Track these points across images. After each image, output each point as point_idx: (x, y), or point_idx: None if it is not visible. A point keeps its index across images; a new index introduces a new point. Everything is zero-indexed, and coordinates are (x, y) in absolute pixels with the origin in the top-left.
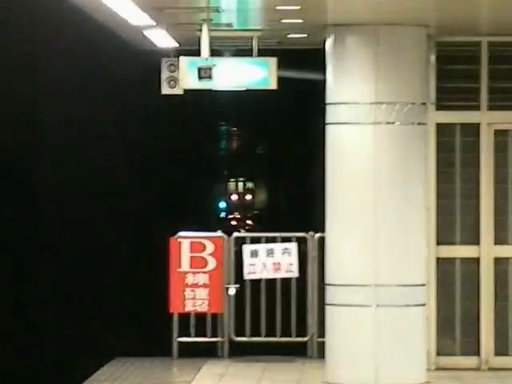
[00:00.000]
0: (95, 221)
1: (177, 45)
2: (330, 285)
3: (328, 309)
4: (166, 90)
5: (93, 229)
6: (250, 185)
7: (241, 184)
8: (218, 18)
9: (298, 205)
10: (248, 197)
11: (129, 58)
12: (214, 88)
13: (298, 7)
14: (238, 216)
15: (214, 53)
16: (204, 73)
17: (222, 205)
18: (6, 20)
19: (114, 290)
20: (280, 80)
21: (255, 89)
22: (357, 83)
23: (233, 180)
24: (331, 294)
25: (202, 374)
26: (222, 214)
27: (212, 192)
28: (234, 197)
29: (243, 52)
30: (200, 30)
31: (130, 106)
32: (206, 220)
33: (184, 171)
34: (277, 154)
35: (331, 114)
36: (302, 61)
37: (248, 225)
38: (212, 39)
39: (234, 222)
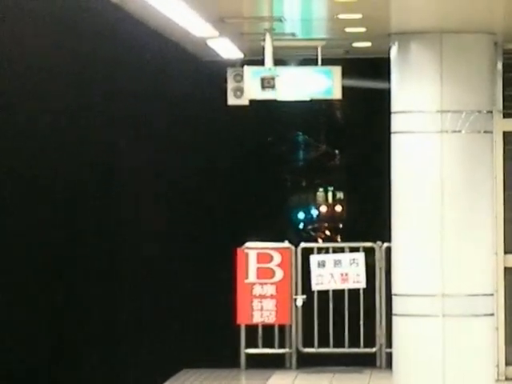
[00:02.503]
0: (171, 232)
1: (242, 55)
2: (396, 295)
3: (395, 319)
4: (231, 100)
5: (168, 239)
6: (339, 195)
7: (330, 194)
8: (281, 27)
9: (374, 215)
10: (338, 208)
11: (196, 70)
12: (278, 98)
13: (360, 16)
14: (318, 227)
15: (281, 62)
16: (267, 83)
17: (301, 216)
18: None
19: (181, 300)
20: (355, 89)
21: (321, 99)
22: (422, 91)
23: (321, 190)
24: (398, 304)
25: None
26: (301, 226)
27: (291, 203)
28: (323, 208)
29: (310, 62)
30: (264, 40)
31: (200, 118)
32: (285, 232)
33: (261, 182)
34: (353, 164)
35: (396, 123)
36: (373, 70)
37: (329, 237)
38: (277, 49)
39: (313, 233)
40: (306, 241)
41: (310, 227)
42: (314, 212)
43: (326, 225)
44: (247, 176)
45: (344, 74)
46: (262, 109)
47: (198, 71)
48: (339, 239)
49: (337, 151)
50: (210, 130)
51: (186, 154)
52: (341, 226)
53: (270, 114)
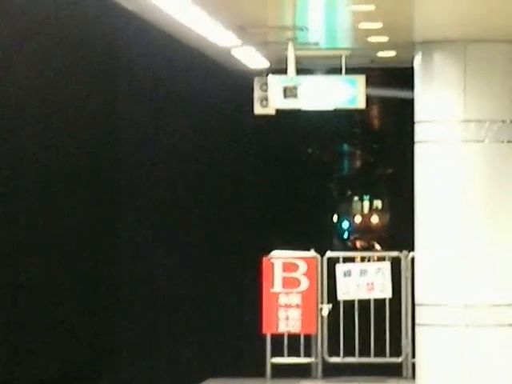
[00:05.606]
0: (213, 243)
1: (268, 64)
2: (419, 305)
3: (418, 329)
4: (258, 109)
5: (214, 250)
6: (379, 204)
7: (365, 203)
8: (304, 36)
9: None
10: (374, 219)
11: (225, 80)
12: (301, 107)
13: (381, 25)
14: (360, 237)
15: (307, 72)
16: (289, 92)
17: (345, 225)
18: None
19: (206, 309)
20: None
21: (345, 108)
22: (445, 101)
23: (356, 199)
24: (420, 314)
25: None
26: (346, 235)
27: (333, 212)
28: (358, 218)
29: (336, 71)
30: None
31: (234, 127)
32: (330, 242)
33: (302, 190)
34: (393, 173)
35: (419, 133)
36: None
37: (367, 246)
38: (302, 58)
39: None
40: (349, 250)
41: (352, 237)
42: (355, 222)
43: (369, 235)
44: (289, 186)
45: (380, 84)
46: (294, 119)
47: (227, 81)
48: (378, 247)
49: (374, 160)
50: (249, 139)
51: (227, 165)
52: (383, 235)
53: (304, 124)
